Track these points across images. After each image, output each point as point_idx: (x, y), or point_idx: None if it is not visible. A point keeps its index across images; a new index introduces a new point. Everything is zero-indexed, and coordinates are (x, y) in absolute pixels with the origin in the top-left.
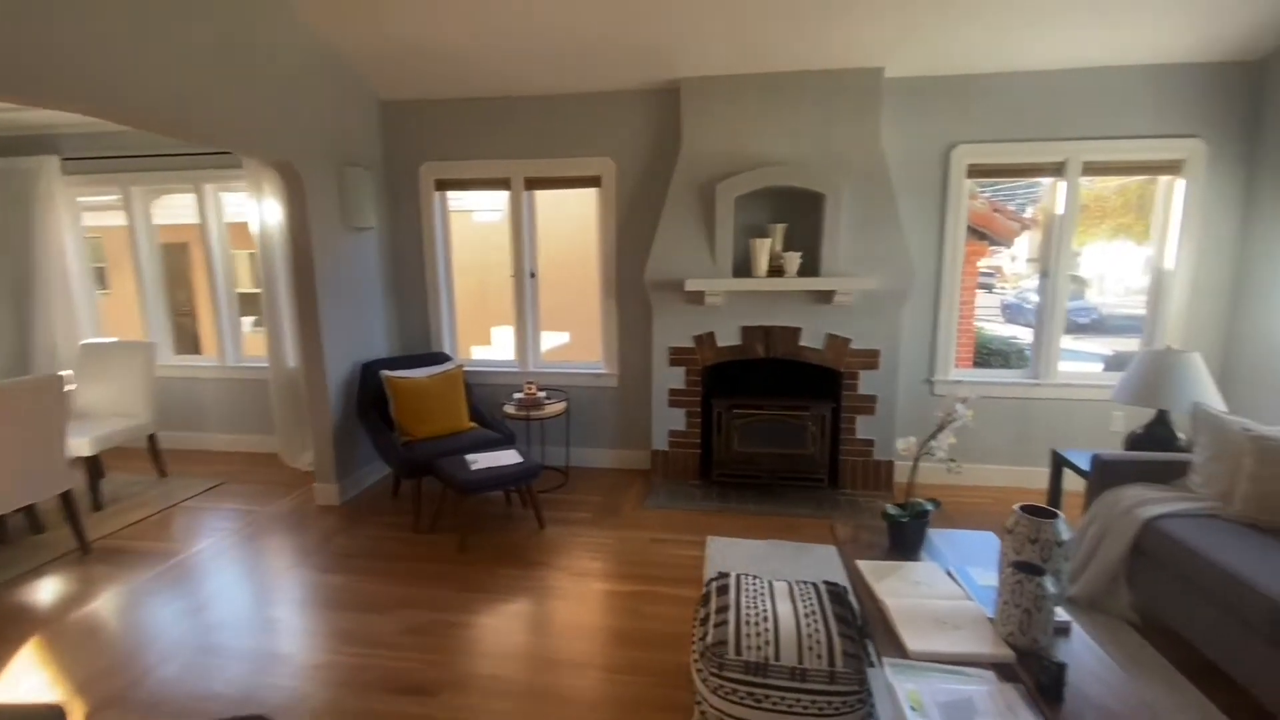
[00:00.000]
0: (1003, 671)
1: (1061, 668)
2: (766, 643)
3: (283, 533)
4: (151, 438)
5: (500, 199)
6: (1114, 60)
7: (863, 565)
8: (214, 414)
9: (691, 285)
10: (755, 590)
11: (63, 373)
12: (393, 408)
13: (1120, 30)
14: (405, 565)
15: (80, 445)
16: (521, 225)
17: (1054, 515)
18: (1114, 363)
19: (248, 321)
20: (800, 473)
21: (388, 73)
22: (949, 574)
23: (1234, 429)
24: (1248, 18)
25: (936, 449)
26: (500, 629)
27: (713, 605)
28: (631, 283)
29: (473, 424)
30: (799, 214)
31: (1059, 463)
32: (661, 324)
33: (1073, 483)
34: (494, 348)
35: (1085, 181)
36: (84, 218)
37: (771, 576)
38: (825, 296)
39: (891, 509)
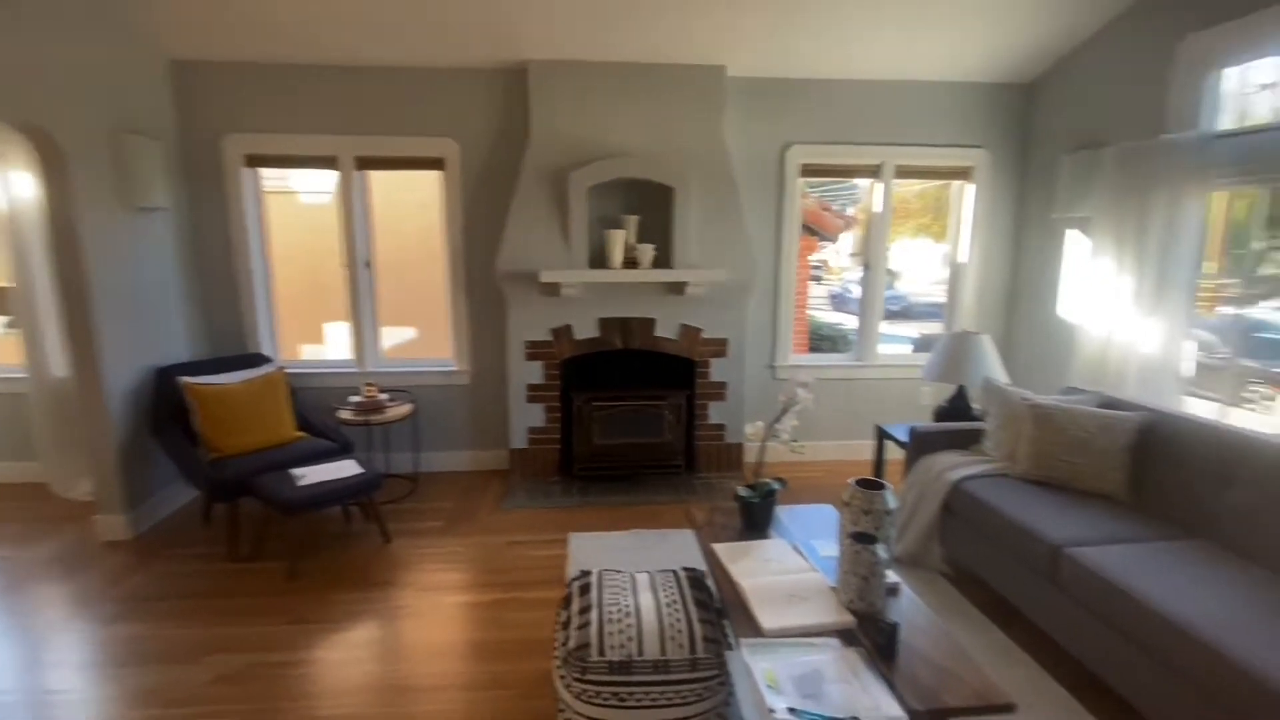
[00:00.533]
0: (846, 637)
1: (894, 627)
2: (630, 639)
3: (54, 580)
4: None
5: (331, 179)
6: (920, 75)
7: (718, 548)
8: None
9: (547, 276)
10: (618, 586)
11: None
12: (196, 420)
13: (923, 47)
14: (219, 602)
15: None
16: (352, 209)
17: (883, 487)
18: (921, 344)
19: None
20: (659, 461)
21: (178, 26)
22: (795, 549)
23: (1016, 399)
24: (1021, 45)
25: (781, 431)
26: (339, 662)
27: (574, 607)
28: (482, 274)
29: (301, 434)
30: (651, 206)
31: (882, 436)
32: (517, 317)
33: (894, 453)
34: (329, 346)
35: (897, 184)
36: None
37: (634, 569)
38: (678, 288)
39: (742, 491)
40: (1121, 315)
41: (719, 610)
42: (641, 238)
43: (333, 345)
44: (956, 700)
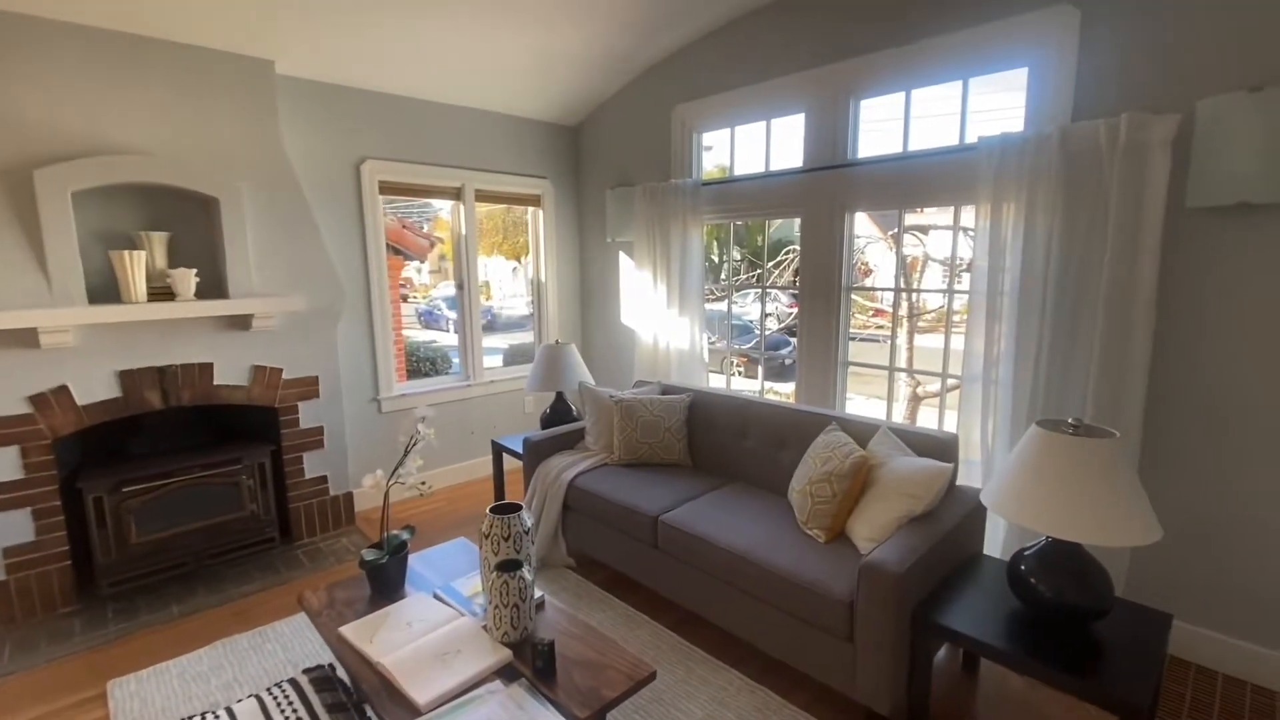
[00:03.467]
0: (506, 674)
1: (550, 645)
2: None
3: None
4: None
5: None
6: (490, 106)
7: (347, 631)
8: None
9: (9, 321)
10: None
11: None
12: None
13: (486, 81)
14: None
15: None
16: None
17: (517, 509)
18: (509, 355)
19: None
20: (241, 540)
21: None
22: (438, 598)
23: (604, 397)
24: (563, 95)
25: (406, 475)
26: None
27: None
28: None
29: None
30: (187, 221)
31: (498, 451)
32: None
33: (511, 463)
34: None
35: (477, 206)
36: None
37: (225, 697)
38: (242, 321)
39: (368, 554)
40: (661, 318)
41: (359, 707)
42: (177, 261)
43: None
44: (613, 690)
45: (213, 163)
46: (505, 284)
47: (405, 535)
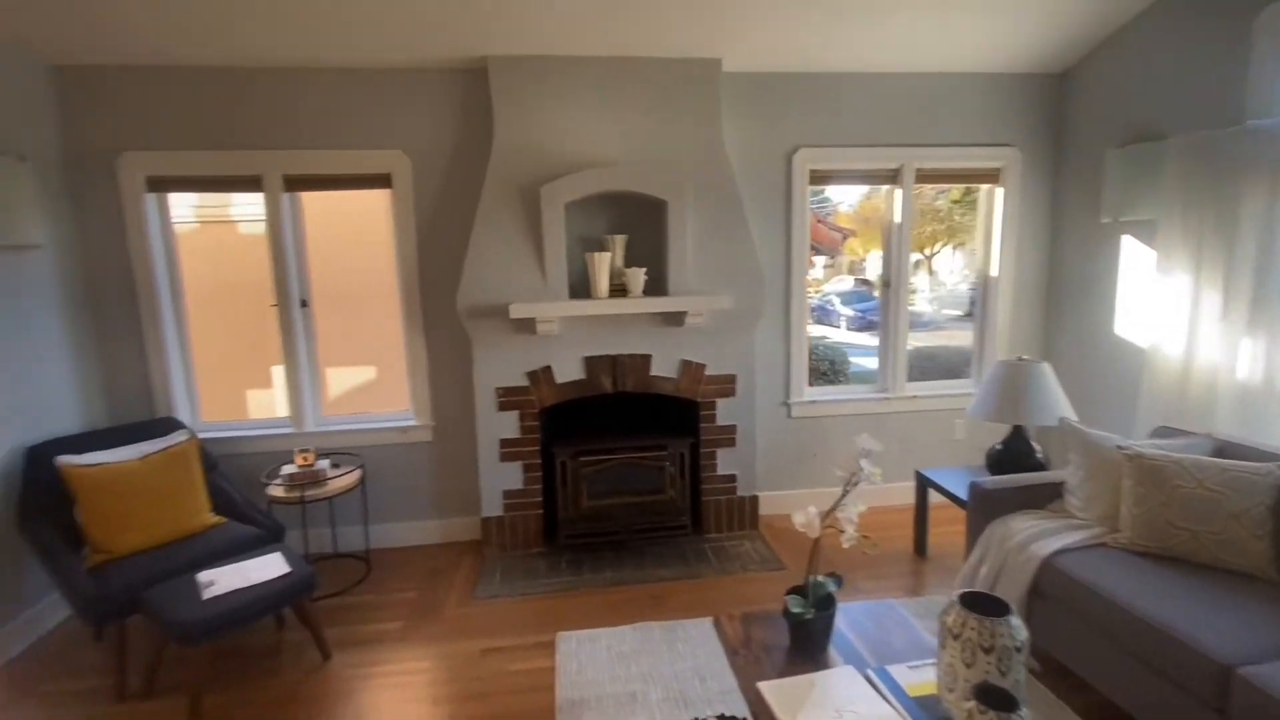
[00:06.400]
0: None
1: None
2: None
3: None
4: None
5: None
6: (942, 66)
7: (767, 691)
8: None
9: (518, 311)
10: None
11: None
12: (79, 511)
13: (944, 35)
14: None
15: None
16: (282, 238)
17: (1004, 608)
18: (914, 363)
19: None
20: (660, 522)
21: (59, 25)
22: (869, 681)
23: (1107, 446)
24: (1054, 31)
25: (846, 522)
26: None
27: None
28: (442, 309)
29: (218, 519)
30: (641, 224)
31: (923, 484)
32: (485, 360)
33: (934, 497)
34: (262, 404)
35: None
36: None
37: (643, 683)
38: (676, 318)
39: (794, 605)
40: (1205, 334)
41: None
42: (630, 260)
43: (265, 403)
44: None
45: (665, 167)
46: (923, 278)
47: (831, 586)
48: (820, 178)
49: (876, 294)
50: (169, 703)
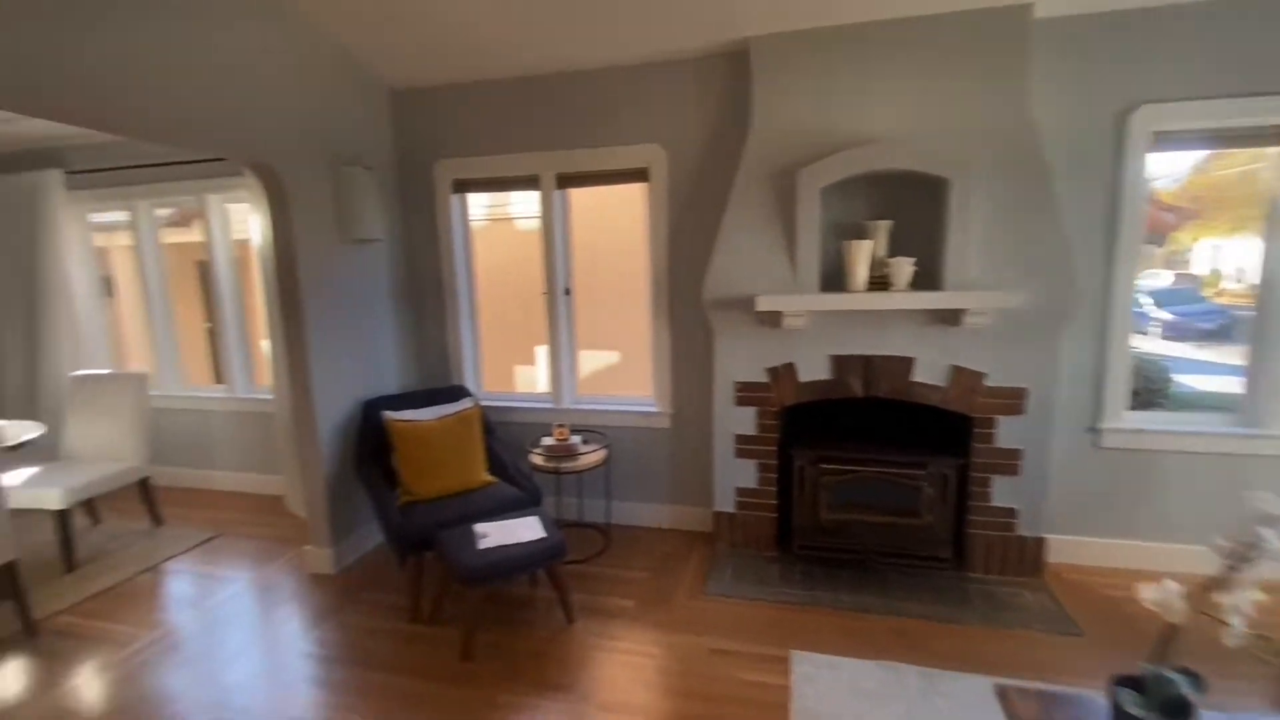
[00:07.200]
0: None
1: None
2: None
3: (263, 616)
4: (144, 483)
5: (534, 200)
6: None
7: None
8: (221, 450)
9: (765, 304)
10: None
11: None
12: (395, 458)
13: None
14: (391, 680)
15: (49, 498)
16: (553, 231)
17: None
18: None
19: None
20: (912, 549)
21: (396, 55)
22: None
23: None
24: None
25: (1232, 612)
26: None
27: None
28: (688, 300)
29: (491, 479)
30: (911, 208)
31: None
32: (726, 352)
33: None
34: (528, 379)
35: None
36: (138, 237)
37: None
38: (951, 317)
39: (1131, 703)
40: None
41: None
42: (897, 250)
43: (531, 379)
44: None
45: (947, 140)
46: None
47: (1187, 687)
48: (1171, 139)
49: (1206, 294)
50: (447, 631)
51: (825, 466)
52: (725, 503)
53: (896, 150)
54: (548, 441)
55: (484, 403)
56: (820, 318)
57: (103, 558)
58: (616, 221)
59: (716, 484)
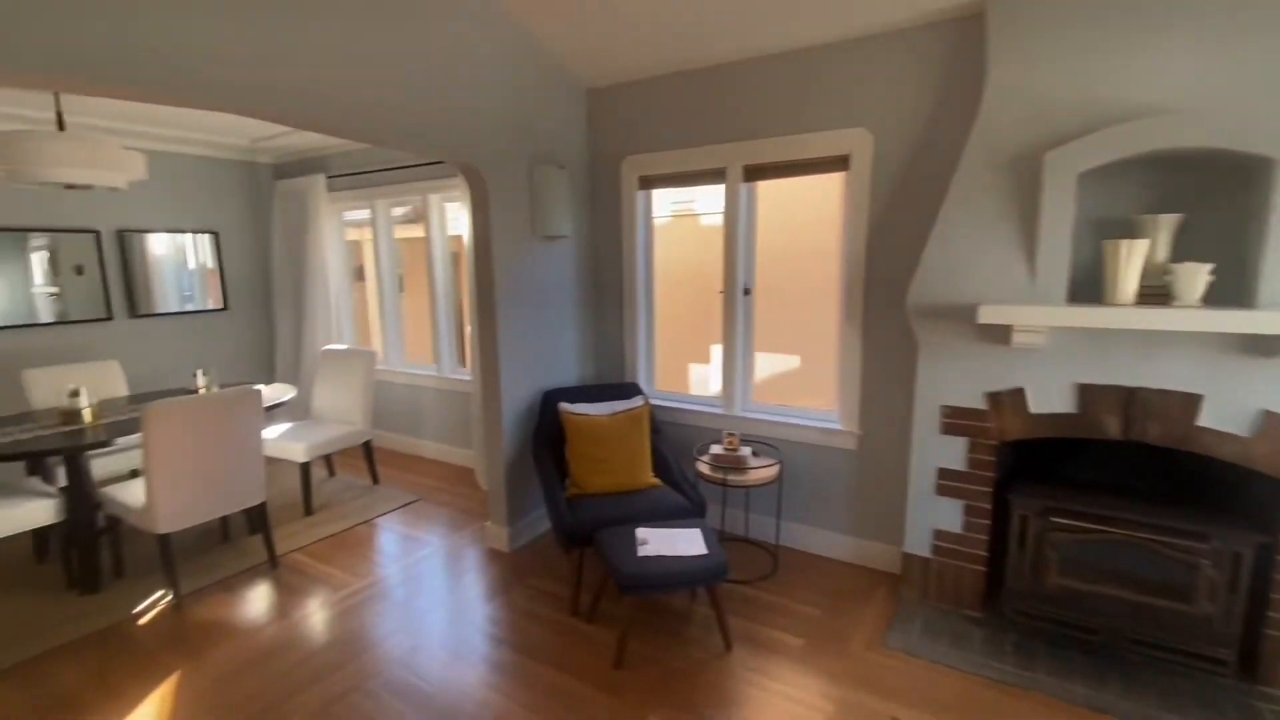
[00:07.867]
0: None
1: None
2: None
3: (447, 583)
4: (366, 445)
5: (719, 195)
6: None
7: None
8: (428, 422)
9: (990, 315)
10: None
11: (259, 387)
12: (567, 449)
13: None
14: (546, 673)
15: (296, 451)
16: (736, 226)
17: None
18: None
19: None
20: (1178, 642)
21: (594, 54)
22: None
23: None
24: None
25: None
26: None
27: None
28: (887, 304)
29: (656, 481)
30: (1203, 201)
31: None
32: (933, 369)
33: None
34: (703, 375)
35: None
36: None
37: None
38: (1265, 346)
39: None
40: None
41: None
42: (1179, 254)
43: (704, 378)
44: None
45: (1267, 109)
46: None
47: None
48: None
49: None
50: (602, 632)
51: (1057, 520)
52: (919, 545)
53: (1196, 123)
54: (716, 450)
55: (653, 401)
56: (1065, 335)
57: (334, 506)
58: (805, 216)
59: (909, 522)
